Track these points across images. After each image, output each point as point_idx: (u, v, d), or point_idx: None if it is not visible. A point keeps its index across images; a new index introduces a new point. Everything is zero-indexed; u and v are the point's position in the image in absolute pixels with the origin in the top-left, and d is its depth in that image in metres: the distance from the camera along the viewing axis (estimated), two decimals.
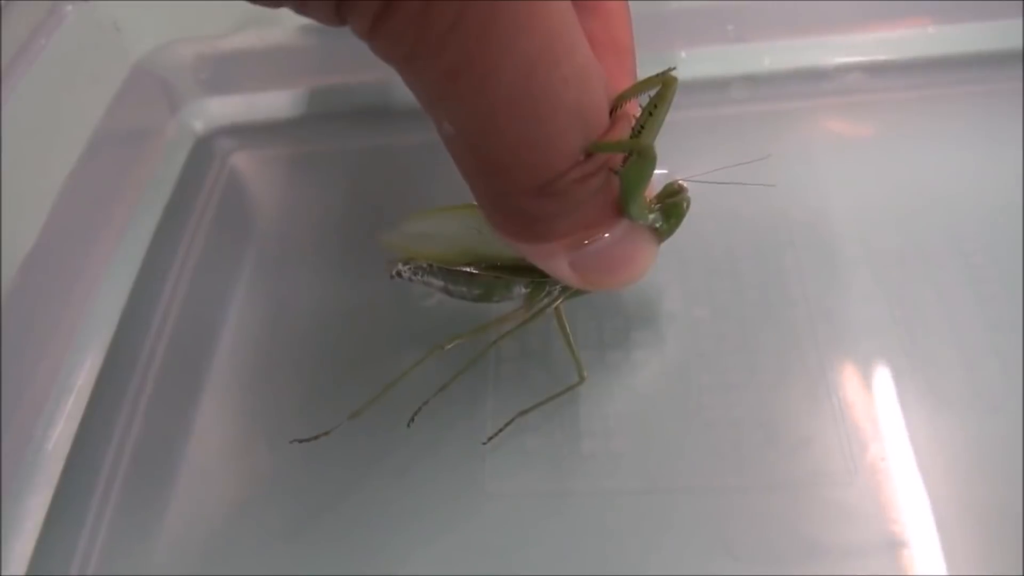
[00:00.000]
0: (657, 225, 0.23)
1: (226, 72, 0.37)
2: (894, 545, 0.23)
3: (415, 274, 0.26)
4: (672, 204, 0.23)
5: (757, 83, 0.34)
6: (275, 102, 0.37)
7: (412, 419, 0.25)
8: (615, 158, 0.20)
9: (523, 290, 0.26)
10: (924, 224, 0.29)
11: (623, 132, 0.20)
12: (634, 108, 0.20)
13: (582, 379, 0.26)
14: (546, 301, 0.26)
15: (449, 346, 0.25)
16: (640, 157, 0.20)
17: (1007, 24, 0.33)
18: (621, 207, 0.21)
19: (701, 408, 0.26)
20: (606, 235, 0.21)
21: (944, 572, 0.22)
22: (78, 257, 0.31)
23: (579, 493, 0.25)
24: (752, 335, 0.27)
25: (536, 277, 0.25)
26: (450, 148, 0.20)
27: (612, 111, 0.20)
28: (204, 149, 0.36)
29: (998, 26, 0.33)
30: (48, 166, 0.31)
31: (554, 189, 0.19)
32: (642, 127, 0.20)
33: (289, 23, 0.36)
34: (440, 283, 0.26)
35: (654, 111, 0.20)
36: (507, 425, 0.26)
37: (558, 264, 0.22)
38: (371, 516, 0.25)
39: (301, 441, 0.25)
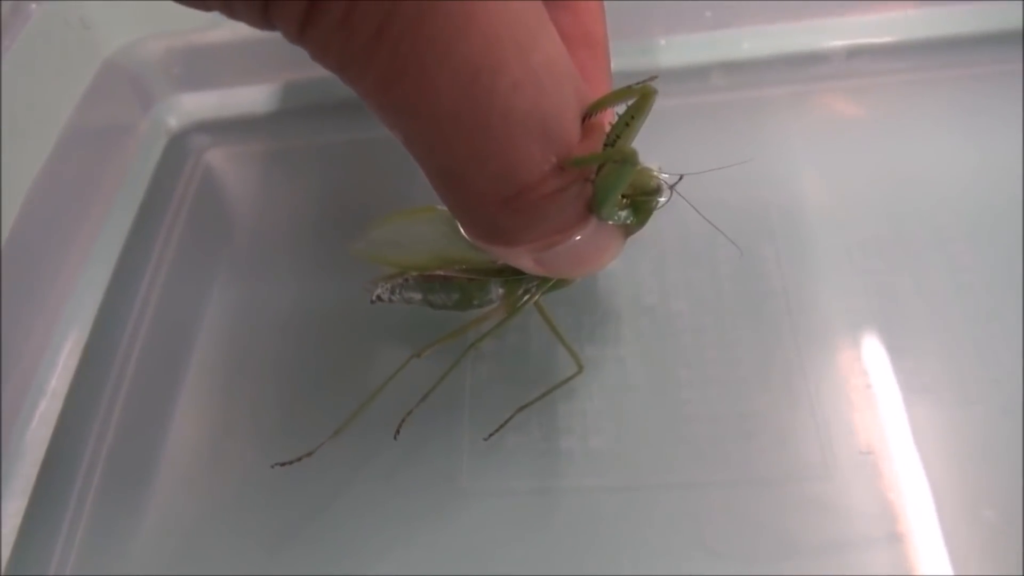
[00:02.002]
0: (627, 222, 0.22)
1: (199, 67, 0.36)
2: (873, 541, 0.22)
3: (393, 293, 0.26)
4: (644, 202, 0.22)
5: (737, 70, 0.34)
6: (249, 97, 0.36)
7: (397, 431, 0.25)
8: (591, 167, 0.19)
9: (499, 290, 0.25)
10: (905, 213, 0.29)
11: (595, 143, 0.19)
12: (608, 116, 0.19)
13: (580, 368, 0.25)
14: (525, 298, 0.25)
15: (426, 354, 0.24)
16: (620, 165, 0.18)
17: (993, 5, 0.32)
18: (592, 207, 0.20)
19: (680, 403, 0.26)
20: (575, 237, 0.20)
21: (924, 569, 0.22)
22: (52, 258, 0.31)
23: (557, 491, 0.25)
24: (731, 328, 0.27)
25: (509, 275, 0.24)
26: (410, 153, 0.19)
27: (585, 119, 0.19)
28: (178, 146, 0.36)
29: (983, 7, 0.32)
30: (16, 166, 0.30)
31: (521, 203, 0.18)
32: (617, 137, 0.19)
33: None
34: (419, 296, 0.26)
35: (631, 122, 0.18)
36: (508, 421, 0.25)
37: (524, 262, 0.21)
38: (347, 516, 0.25)
39: (283, 464, 0.25)
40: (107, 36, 0.35)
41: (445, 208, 0.23)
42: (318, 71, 0.36)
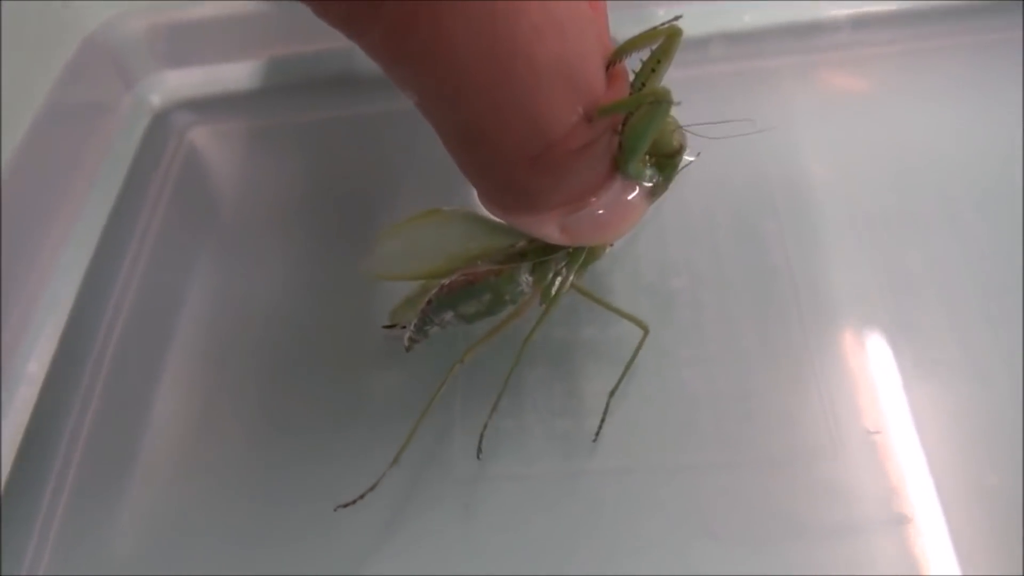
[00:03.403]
0: (652, 182, 0.20)
1: (182, 44, 0.35)
2: (880, 523, 0.22)
3: (425, 325, 0.24)
4: (668, 162, 0.21)
5: (737, 41, 0.33)
6: (234, 74, 0.35)
7: (396, 459, 0.23)
8: (619, 117, 0.18)
9: (529, 277, 0.24)
10: (913, 185, 0.28)
11: (622, 91, 0.18)
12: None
13: (646, 330, 0.24)
14: (557, 282, 0.23)
15: (468, 358, 0.23)
16: (654, 107, 0.17)
17: None
18: (618, 163, 0.19)
19: (680, 383, 0.25)
20: (601, 198, 0.19)
21: (932, 551, 0.21)
22: (29, 239, 0.30)
23: (553, 475, 0.24)
24: (732, 305, 0.26)
25: (535, 257, 0.23)
26: (425, 116, 0.18)
27: (607, 67, 0.17)
28: (161, 124, 0.35)
29: None
30: None
31: (549, 161, 0.17)
32: (642, 85, 0.18)
33: None
34: (450, 314, 0.24)
35: (656, 66, 0.18)
36: (606, 412, 0.24)
37: (549, 230, 0.20)
38: (334, 504, 0.24)
39: (347, 505, 0.23)
40: (88, 12, 0.34)
41: (450, 208, 0.23)
42: (303, 47, 0.35)
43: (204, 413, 0.27)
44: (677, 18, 0.17)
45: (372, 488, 0.23)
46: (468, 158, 0.18)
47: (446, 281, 0.23)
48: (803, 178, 0.28)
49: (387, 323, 0.26)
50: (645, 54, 0.18)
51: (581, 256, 0.23)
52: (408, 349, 0.24)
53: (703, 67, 0.32)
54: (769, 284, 0.26)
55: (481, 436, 0.24)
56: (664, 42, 0.17)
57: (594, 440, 0.24)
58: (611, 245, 0.24)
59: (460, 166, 0.19)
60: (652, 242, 0.28)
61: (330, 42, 0.34)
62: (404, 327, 0.25)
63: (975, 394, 0.23)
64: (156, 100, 0.35)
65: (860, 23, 0.32)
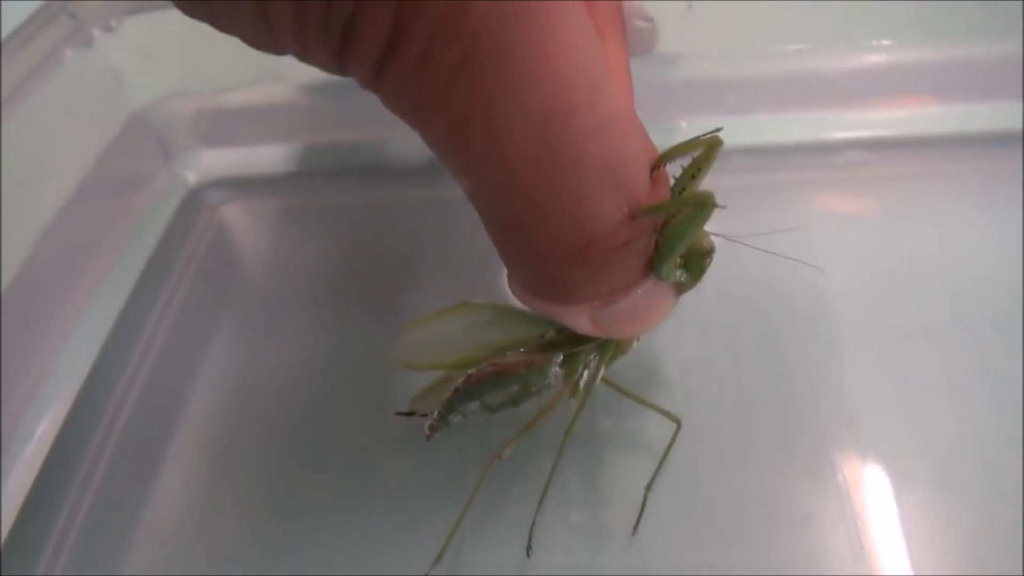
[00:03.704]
0: (681, 279, 0.21)
1: (224, 126, 0.37)
2: None
3: (449, 414, 0.24)
4: (697, 262, 0.21)
5: (759, 154, 0.34)
6: (270, 156, 0.36)
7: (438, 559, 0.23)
8: (658, 218, 0.19)
9: (558, 370, 0.24)
10: (929, 300, 0.28)
11: (663, 194, 0.18)
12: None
13: (679, 423, 0.24)
14: (587, 375, 0.24)
15: (508, 452, 0.23)
16: (696, 210, 0.18)
17: (1007, 105, 0.32)
18: (652, 264, 0.20)
19: (695, 481, 0.24)
20: (633, 295, 0.20)
21: None
22: (54, 301, 0.30)
23: (562, 569, 0.23)
24: (750, 407, 0.26)
25: (563, 348, 0.23)
26: (474, 205, 0.19)
27: (651, 171, 0.18)
28: (195, 200, 0.36)
29: (999, 107, 0.33)
30: (32, 208, 0.30)
31: (590, 256, 0.18)
32: (682, 190, 0.19)
33: (290, 79, 0.36)
34: (475, 404, 0.24)
35: (697, 173, 0.19)
36: (643, 507, 0.24)
37: (580, 321, 0.20)
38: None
39: None
40: (136, 89, 0.35)
41: (480, 301, 0.23)
42: (339, 136, 0.37)
43: (210, 489, 0.26)
44: (718, 130, 0.18)
45: None
46: (511, 247, 0.19)
47: (473, 371, 0.23)
48: (821, 288, 0.29)
49: (404, 410, 0.26)
50: (685, 161, 0.19)
51: (611, 348, 0.24)
52: (429, 437, 0.24)
53: (724, 176, 0.33)
54: (787, 387, 0.26)
55: (530, 534, 0.23)
56: (705, 151, 0.18)
57: (632, 534, 0.24)
58: (638, 339, 0.24)
59: (502, 254, 0.20)
60: (671, 342, 0.28)
61: (364, 133, 0.36)
62: (424, 415, 0.25)
63: (995, 509, 0.23)
64: (192, 177, 0.36)
65: (875, 146, 0.34)
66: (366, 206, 0.35)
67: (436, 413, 0.24)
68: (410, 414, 0.25)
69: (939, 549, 0.22)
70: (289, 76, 0.36)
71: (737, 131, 0.34)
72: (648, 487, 0.24)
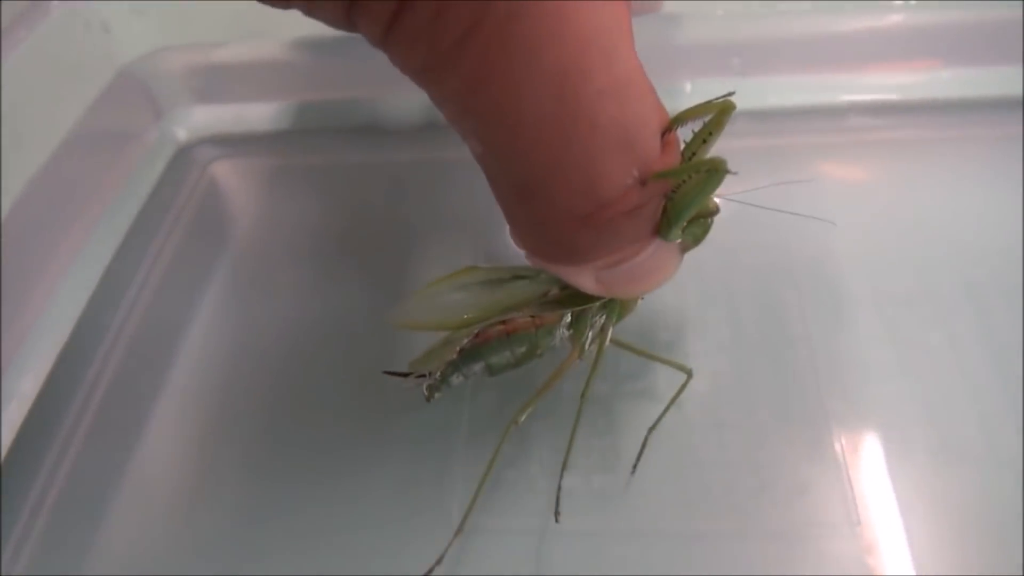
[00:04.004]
0: (686, 240, 0.21)
1: (215, 82, 0.36)
2: None
3: (452, 375, 0.23)
4: (701, 222, 0.21)
5: (763, 119, 0.33)
6: (262, 113, 0.35)
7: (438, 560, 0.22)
8: (669, 182, 0.18)
9: (565, 331, 0.23)
10: (934, 267, 0.27)
11: (674, 159, 0.18)
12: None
13: (689, 374, 0.24)
14: (593, 335, 0.23)
15: (523, 418, 0.22)
16: (708, 176, 0.18)
17: (1013, 69, 0.32)
18: (660, 228, 0.19)
19: (691, 447, 0.24)
20: (637, 258, 0.19)
21: None
22: (39, 257, 0.30)
23: (554, 532, 0.23)
24: (749, 373, 0.25)
25: (568, 305, 0.23)
26: (483, 167, 0.18)
27: (662, 135, 0.18)
28: (185, 157, 0.35)
29: (1006, 71, 0.32)
30: (16, 162, 0.29)
31: (600, 220, 0.18)
32: (693, 154, 0.19)
33: (283, 35, 0.35)
34: (479, 365, 0.23)
35: (708, 138, 0.19)
36: (643, 448, 0.24)
37: (585, 280, 0.20)
38: (328, 550, 0.23)
39: None
40: (126, 43, 0.34)
41: (485, 265, 0.23)
42: (332, 93, 0.36)
43: (197, 445, 0.26)
44: (730, 94, 0.18)
45: (439, 562, 0.22)
46: (520, 211, 0.19)
47: (480, 331, 0.23)
48: (824, 254, 0.28)
49: (398, 371, 0.25)
50: (696, 125, 0.19)
51: (616, 307, 0.23)
52: (429, 398, 0.24)
53: (728, 140, 0.32)
54: (787, 354, 0.26)
55: (557, 498, 0.23)
56: (716, 115, 0.18)
57: (632, 472, 0.23)
58: (642, 297, 0.24)
59: (509, 217, 0.19)
60: (671, 306, 0.27)
61: (357, 91, 0.35)
62: (419, 376, 0.24)
63: (997, 479, 0.22)
64: (183, 134, 0.36)
65: (878, 110, 0.33)
66: (359, 165, 0.34)
67: (439, 373, 0.23)
68: (404, 375, 0.25)
69: (938, 519, 0.22)
70: (283, 32, 0.35)
71: (742, 94, 0.33)
72: (651, 429, 0.24)
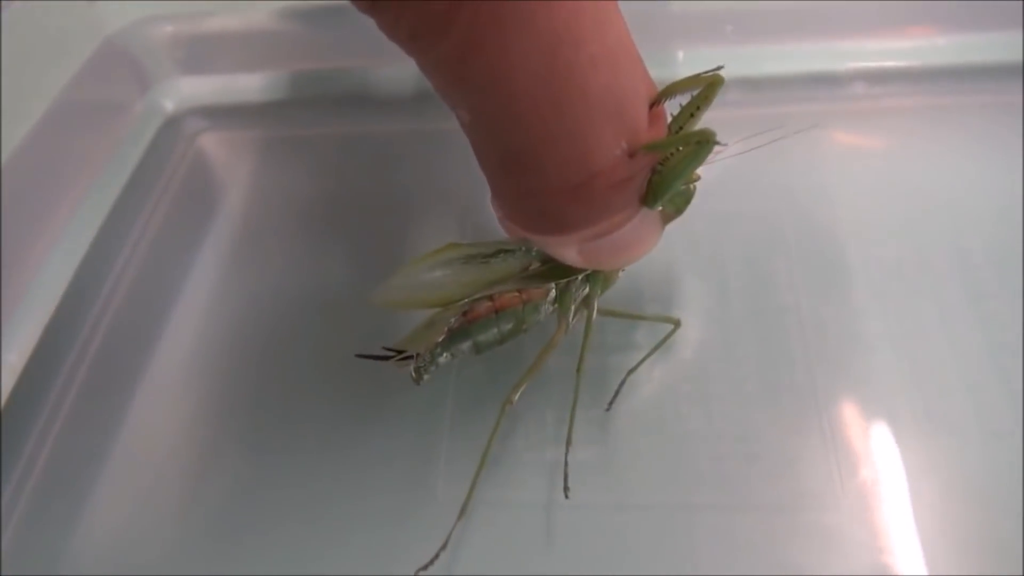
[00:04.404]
0: (668, 210, 0.21)
1: (202, 52, 0.35)
2: (881, 575, 0.20)
3: (438, 357, 0.23)
4: (683, 191, 0.21)
5: (756, 87, 0.32)
6: (250, 84, 0.35)
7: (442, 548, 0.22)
8: (657, 154, 0.18)
9: (550, 307, 0.23)
10: (926, 235, 0.27)
11: (661, 131, 0.18)
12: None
13: (677, 324, 0.25)
14: (582, 310, 0.23)
15: (516, 396, 0.22)
16: (697, 148, 0.18)
17: (1011, 35, 0.31)
18: (645, 199, 0.19)
19: (678, 419, 0.24)
20: (621, 230, 0.19)
21: None
22: (25, 229, 0.29)
23: (539, 505, 0.23)
24: (737, 343, 0.25)
25: (549, 278, 0.22)
26: (470, 138, 0.18)
27: (650, 107, 0.18)
28: (172, 128, 0.34)
29: (1003, 37, 0.31)
30: None
31: (588, 192, 0.17)
32: (680, 128, 0.19)
33: (271, 5, 0.34)
34: (468, 343, 0.23)
35: (696, 112, 0.18)
36: (621, 386, 0.24)
37: (567, 252, 0.20)
38: (313, 519, 0.23)
39: (425, 567, 0.22)
40: (112, 12, 0.34)
41: (465, 242, 0.22)
42: (320, 63, 0.35)
43: (182, 420, 0.26)
44: (719, 68, 0.18)
45: (444, 547, 0.22)
46: (507, 182, 0.18)
47: (468, 309, 0.23)
48: (816, 222, 0.28)
49: (374, 353, 0.24)
50: (685, 98, 0.19)
51: (600, 279, 0.23)
52: (418, 381, 0.23)
53: (724, 110, 0.32)
54: (776, 324, 0.25)
55: (565, 474, 0.22)
56: (705, 89, 0.18)
57: (607, 410, 0.24)
58: (623, 269, 0.24)
59: (495, 188, 0.19)
60: (659, 275, 0.27)
61: (346, 61, 0.34)
62: (407, 358, 0.23)
63: (985, 449, 0.22)
64: (170, 105, 0.35)
65: (877, 78, 0.32)
66: (348, 136, 0.34)
67: (429, 353, 0.23)
68: (384, 358, 0.24)
69: (927, 491, 0.22)
70: (268, 3, 0.34)
71: (735, 62, 0.33)
72: (631, 371, 0.24)
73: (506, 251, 0.22)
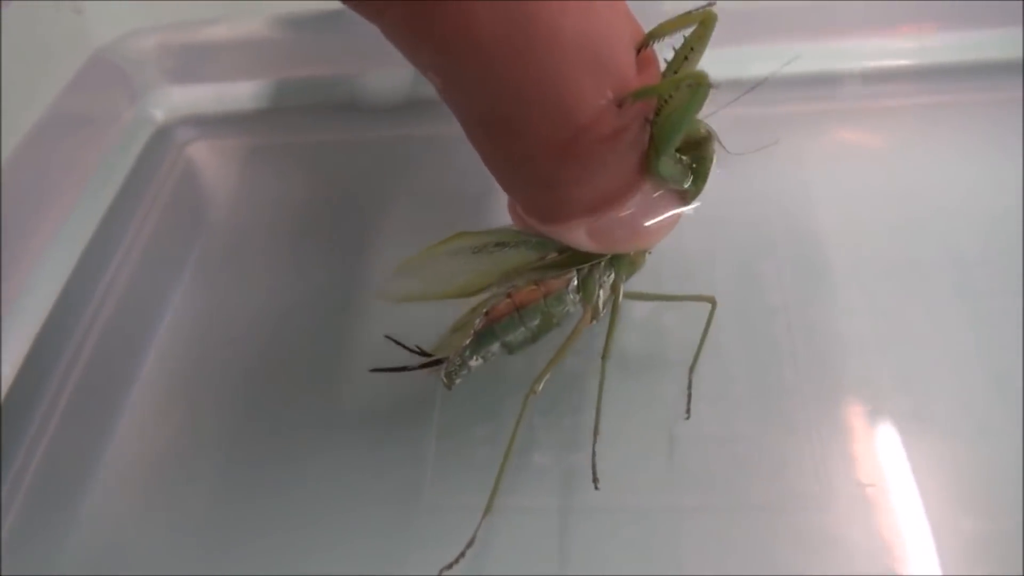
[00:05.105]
0: (684, 186, 0.19)
1: (190, 62, 0.35)
2: None
3: (468, 360, 0.22)
4: (699, 157, 0.19)
5: (746, 88, 0.32)
6: (239, 92, 0.35)
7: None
8: (649, 105, 0.17)
9: (575, 296, 0.22)
10: (917, 236, 0.27)
11: (653, 77, 0.17)
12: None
13: (714, 303, 0.23)
14: (604, 295, 0.22)
15: (539, 387, 0.21)
16: (692, 91, 0.16)
17: (1007, 32, 0.31)
18: (648, 163, 0.18)
19: (665, 421, 0.24)
20: (630, 201, 0.18)
21: None
22: (16, 239, 0.29)
23: (527, 510, 0.22)
24: (725, 345, 0.25)
25: (568, 265, 0.21)
26: (448, 104, 0.17)
27: (638, 51, 0.17)
28: (162, 138, 0.34)
29: (999, 34, 0.31)
30: None
31: (577, 149, 0.16)
32: (675, 72, 0.17)
33: (257, 14, 0.34)
34: (496, 344, 0.22)
35: (690, 54, 0.17)
36: (690, 388, 0.24)
37: (577, 236, 0.19)
38: (300, 524, 0.23)
39: (450, 566, 0.21)
40: (100, 25, 0.34)
41: (476, 231, 0.21)
42: (308, 71, 0.35)
43: (173, 426, 0.26)
44: (711, 3, 0.17)
45: (470, 544, 0.21)
46: (493, 148, 0.17)
47: (489, 309, 0.22)
48: (805, 223, 0.28)
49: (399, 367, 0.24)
50: (677, 41, 0.17)
51: (624, 263, 0.22)
52: (449, 386, 0.23)
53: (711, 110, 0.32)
54: (764, 326, 0.25)
55: (593, 465, 0.22)
56: (698, 28, 0.17)
57: (686, 418, 0.23)
58: (649, 252, 0.23)
59: (485, 160, 0.18)
60: (645, 278, 0.27)
61: (333, 68, 0.34)
62: (435, 363, 0.23)
63: (974, 449, 0.22)
64: (160, 115, 0.35)
65: (870, 77, 0.32)
66: (338, 144, 0.34)
67: (459, 358, 0.22)
68: (399, 369, 0.23)
69: (918, 491, 0.21)
70: (257, 10, 0.34)
71: (726, 63, 0.33)
72: (691, 369, 0.24)
73: (520, 241, 0.21)
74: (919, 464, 0.22)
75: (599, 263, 0.21)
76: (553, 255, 0.21)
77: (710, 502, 0.22)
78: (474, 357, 0.22)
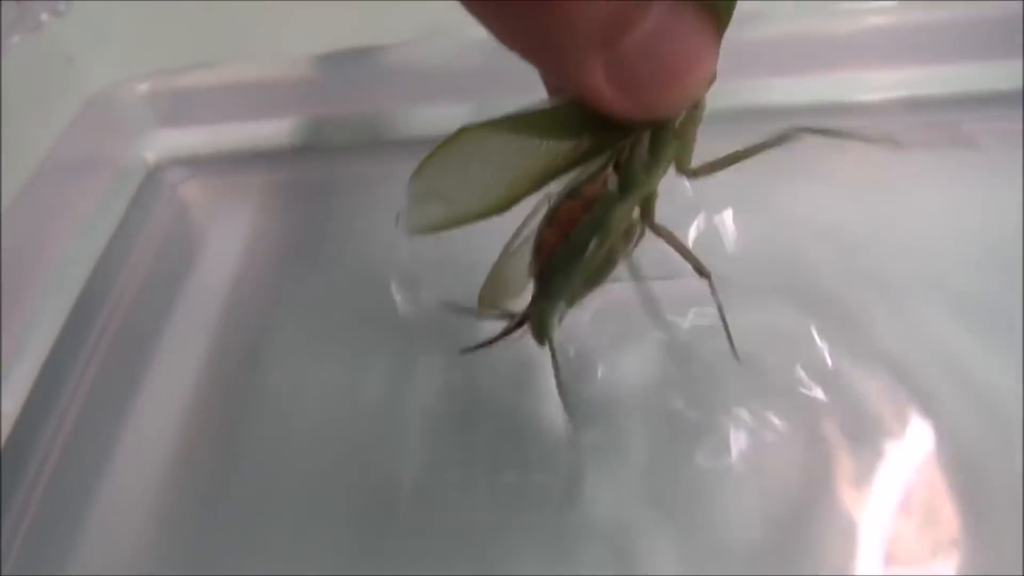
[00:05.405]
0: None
1: (182, 105, 0.37)
2: None
3: (548, 308, 0.20)
4: None
5: (763, 116, 0.33)
6: (231, 134, 0.36)
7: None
8: None
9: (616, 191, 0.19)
10: (922, 263, 0.27)
11: None
12: None
13: (708, 275, 0.21)
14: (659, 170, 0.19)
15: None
16: None
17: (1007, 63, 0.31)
18: None
19: (662, 426, 0.24)
20: (645, 21, 0.15)
21: None
22: (11, 286, 0.30)
23: (498, 528, 0.23)
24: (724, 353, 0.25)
25: (607, 147, 0.18)
26: None
27: None
28: (154, 179, 0.36)
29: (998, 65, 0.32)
30: None
31: None
32: None
33: (244, 57, 0.35)
34: (565, 283, 0.20)
35: None
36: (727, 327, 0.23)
37: (594, 78, 0.16)
38: (276, 543, 0.24)
39: None
40: (91, 72, 0.35)
41: (481, 121, 0.18)
42: (300, 113, 0.36)
43: (165, 481, 0.26)
44: None
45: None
46: None
47: (536, 245, 0.20)
48: (803, 251, 0.28)
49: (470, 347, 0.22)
50: None
51: (665, 139, 0.19)
52: (542, 343, 0.20)
53: (719, 141, 0.32)
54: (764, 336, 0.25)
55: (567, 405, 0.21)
56: None
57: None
58: (699, 115, 0.19)
59: (481, 15, 0.16)
60: (644, 360, 0.27)
61: (324, 109, 0.35)
62: (520, 323, 0.21)
63: (977, 448, 0.22)
64: (151, 156, 0.36)
65: (870, 110, 0.33)
66: (330, 182, 0.35)
67: (536, 312, 0.20)
68: (492, 341, 0.22)
69: (917, 491, 0.22)
70: (243, 54, 0.35)
71: (731, 95, 0.33)
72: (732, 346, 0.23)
73: (535, 121, 0.18)
74: (922, 464, 0.22)
75: (641, 139, 0.18)
76: (586, 139, 0.18)
77: (705, 510, 0.22)
78: (558, 302, 0.20)
